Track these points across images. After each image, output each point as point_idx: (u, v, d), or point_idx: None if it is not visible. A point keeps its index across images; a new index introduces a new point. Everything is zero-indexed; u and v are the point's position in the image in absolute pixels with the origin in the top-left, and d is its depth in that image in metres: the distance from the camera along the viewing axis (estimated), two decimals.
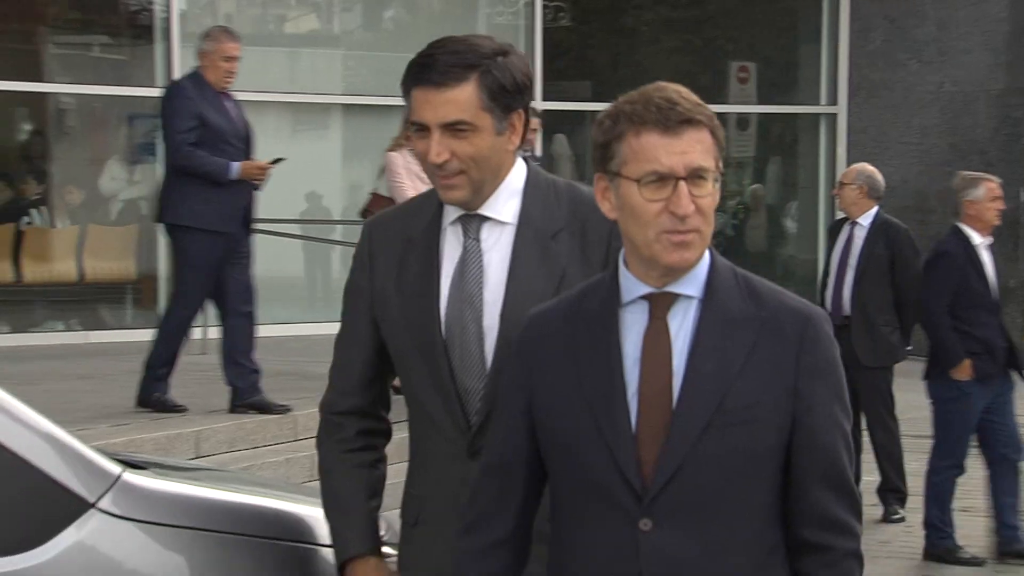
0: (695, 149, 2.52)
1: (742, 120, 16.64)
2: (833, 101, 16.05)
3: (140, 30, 13.54)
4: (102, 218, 14.09)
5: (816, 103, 16.27)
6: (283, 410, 8.26)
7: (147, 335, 12.66)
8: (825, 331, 2.63)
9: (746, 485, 2.56)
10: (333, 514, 3.21)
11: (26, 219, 13.55)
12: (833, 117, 16.06)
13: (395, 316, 3.13)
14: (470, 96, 2.96)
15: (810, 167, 16.46)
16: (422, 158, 3.04)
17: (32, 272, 13.34)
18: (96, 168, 14.08)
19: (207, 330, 11.42)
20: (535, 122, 8.94)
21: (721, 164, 2.58)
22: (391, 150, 9.12)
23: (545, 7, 15.00)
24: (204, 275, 8.16)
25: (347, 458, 3.22)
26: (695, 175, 2.52)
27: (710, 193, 2.54)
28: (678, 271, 2.57)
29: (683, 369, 2.56)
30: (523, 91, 3.03)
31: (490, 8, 15.23)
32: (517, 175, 3.08)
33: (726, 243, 16.18)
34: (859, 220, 8.56)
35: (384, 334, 3.16)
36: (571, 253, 3.03)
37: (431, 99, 2.96)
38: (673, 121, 2.51)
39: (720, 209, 13.77)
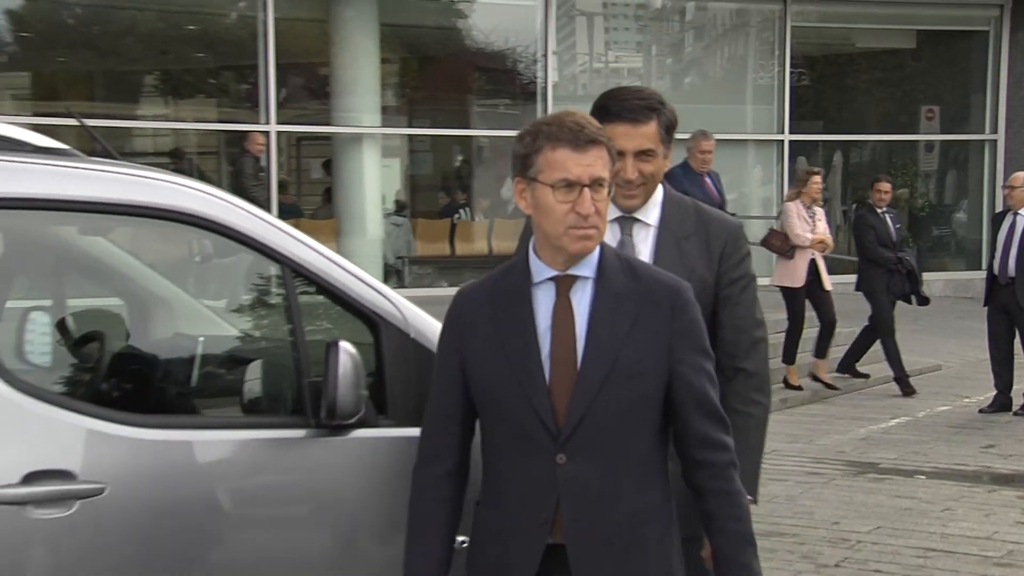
0: (597, 163, 2.20)
1: (928, 145, 15.86)
2: (995, 131, 15.21)
3: (527, 95, 13.77)
4: (502, 214, 14.36)
5: (982, 132, 15.39)
6: None
7: None
8: (689, 299, 2.26)
9: (636, 424, 2.22)
10: None
11: (457, 215, 13.92)
12: (994, 142, 15.23)
13: None
14: (655, 130, 2.65)
15: (977, 177, 15.62)
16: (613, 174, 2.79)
17: (460, 248, 13.66)
18: (499, 182, 14.40)
19: None
20: (710, 143, 7.92)
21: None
22: (789, 200, 8.49)
23: (791, 72, 14.62)
24: None
25: None
26: (596, 183, 2.19)
27: (604, 198, 2.21)
28: (579, 257, 2.23)
29: (584, 336, 2.21)
30: (675, 129, 2.73)
31: (754, 74, 14.93)
32: (659, 191, 2.74)
33: (915, 229, 15.49)
34: (1020, 212, 8.13)
35: None
36: (699, 252, 2.69)
37: (629, 132, 2.63)
38: (582, 141, 2.19)
39: (902, 207, 12.82)
